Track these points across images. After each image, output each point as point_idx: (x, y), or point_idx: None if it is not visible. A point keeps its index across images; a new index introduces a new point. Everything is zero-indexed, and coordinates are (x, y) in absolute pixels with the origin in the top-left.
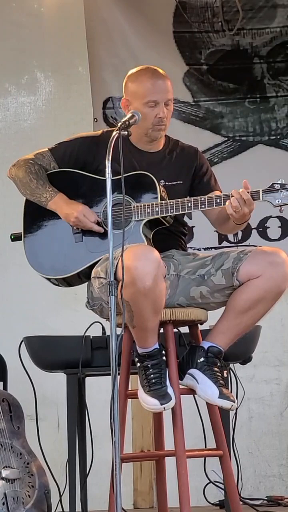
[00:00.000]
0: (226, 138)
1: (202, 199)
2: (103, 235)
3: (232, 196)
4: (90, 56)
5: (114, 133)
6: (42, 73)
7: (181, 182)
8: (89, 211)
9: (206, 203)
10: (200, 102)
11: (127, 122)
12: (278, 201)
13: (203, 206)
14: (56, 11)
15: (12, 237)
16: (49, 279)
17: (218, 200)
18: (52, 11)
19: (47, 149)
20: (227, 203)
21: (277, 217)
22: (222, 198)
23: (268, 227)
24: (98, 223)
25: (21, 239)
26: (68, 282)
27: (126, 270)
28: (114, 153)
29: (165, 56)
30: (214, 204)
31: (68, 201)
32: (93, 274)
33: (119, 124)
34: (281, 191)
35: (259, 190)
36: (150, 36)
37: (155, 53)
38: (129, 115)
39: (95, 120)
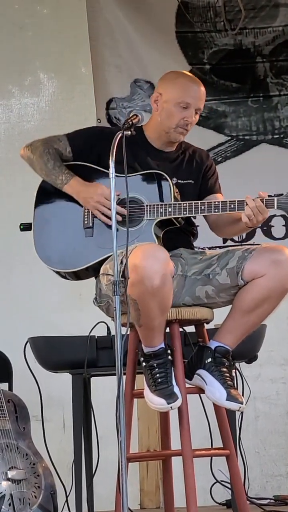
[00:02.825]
0: (229, 137)
1: (216, 203)
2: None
3: (246, 204)
4: (93, 56)
5: (118, 132)
6: (45, 74)
7: (192, 181)
8: (108, 192)
9: (220, 207)
10: None
11: (129, 122)
12: None
13: (216, 210)
14: (58, 12)
15: (22, 226)
16: (57, 272)
17: (232, 206)
18: (54, 12)
19: (63, 134)
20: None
21: (281, 215)
22: (236, 204)
23: (273, 226)
24: (119, 201)
25: (30, 229)
26: (78, 275)
27: (135, 269)
28: (133, 150)
29: (167, 56)
30: (228, 209)
31: (84, 184)
32: (101, 271)
33: (121, 124)
34: None
35: (274, 199)
36: (152, 36)
37: (158, 53)
38: (131, 114)
39: (99, 120)
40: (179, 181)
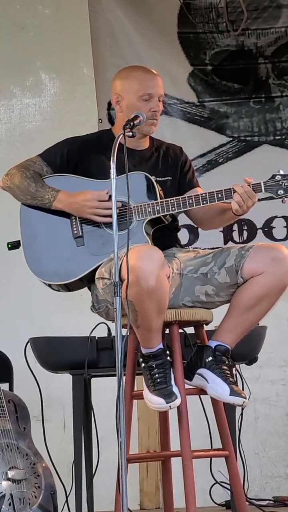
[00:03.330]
0: (231, 138)
1: (204, 195)
2: (105, 238)
3: (235, 191)
4: (95, 57)
5: (119, 133)
6: (46, 75)
7: (171, 178)
8: (97, 194)
9: (208, 198)
10: (205, 103)
11: (131, 123)
12: (280, 192)
13: (204, 202)
14: (60, 12)
15: (9, 245)
16: (50, 285)
17: (219, 195)
18: (56, 12)
19: (36, 155)
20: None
21: (282, 217)
22: (224, 193)
23: (274, 227)
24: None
25: (18, 247)
26: (69, 287)
27: (130, 270)
28: (108, 154)
29: (169, 57)
30: (216, 199)
31: (71, 195)
32: (97, 275)
33: (123, 125)
34: (282, 182)
35: (260, 183)
36: (154, 37)
37: (159, 54)
38: (132, 115)
39: (100, 121)
40: (158, 178)
